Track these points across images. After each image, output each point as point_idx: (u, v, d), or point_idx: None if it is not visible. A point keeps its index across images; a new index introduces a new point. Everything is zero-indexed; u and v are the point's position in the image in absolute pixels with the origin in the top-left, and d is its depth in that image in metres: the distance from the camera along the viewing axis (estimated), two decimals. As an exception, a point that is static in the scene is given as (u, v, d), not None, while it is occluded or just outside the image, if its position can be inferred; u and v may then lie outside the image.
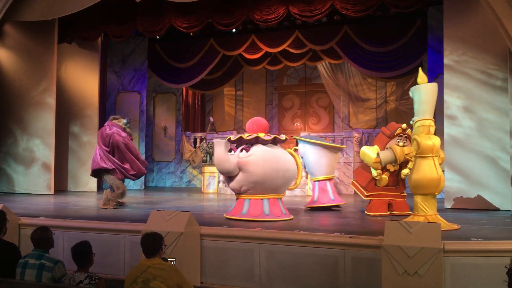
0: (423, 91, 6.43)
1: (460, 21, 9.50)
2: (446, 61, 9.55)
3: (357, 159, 13.14)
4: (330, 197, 8.91)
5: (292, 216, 7.50)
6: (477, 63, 9.23)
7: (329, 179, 9.01)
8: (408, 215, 7.35)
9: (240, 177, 7.15)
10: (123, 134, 9.21)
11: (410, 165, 7.69)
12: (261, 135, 7.29)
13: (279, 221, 7.13)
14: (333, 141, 13.41)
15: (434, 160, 6.33)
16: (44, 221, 6.95)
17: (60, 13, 11.42)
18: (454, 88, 9.39)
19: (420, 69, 6.76)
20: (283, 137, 7.59)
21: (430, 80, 11.79)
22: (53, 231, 4.51)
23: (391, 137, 8.09)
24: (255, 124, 7.45)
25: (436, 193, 6.46)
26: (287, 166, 7.30)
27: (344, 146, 9.78)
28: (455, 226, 6.51)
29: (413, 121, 6.56)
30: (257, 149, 7.23)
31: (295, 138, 9.79)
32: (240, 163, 7.09)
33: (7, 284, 4.08)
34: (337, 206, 9.06)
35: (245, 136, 7.31)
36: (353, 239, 5.68)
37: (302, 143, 9.06)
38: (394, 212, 8.11)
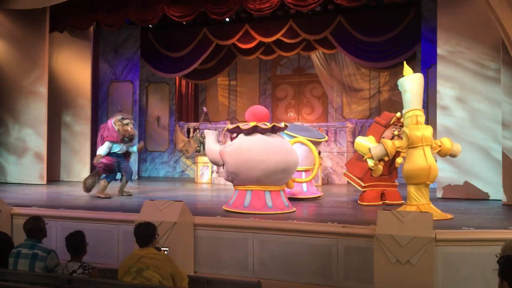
0: (410, 82, 6.53)
1: (454, 11, 9.50)
2: (439, 51, 9.56)
3: (350, 149, 13.19)
4: (303, 189, 8.87)
5: (295, 209, 7.23)
6: (470, 53, 9.25)
7: (305, 171, 8.67)
8: (401, 204, 7.42)
9: (224, 167, 7.20)
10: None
11: (403, 153, 7.74)
12: (252, 124, 7.00)
13: (283, 213, 6.86)
14: (326, 131, 13.45)
15: (424, 149, 6.39)
16: (37, 211, 6.93)
17: (51, 2, 11.30)
18: (447, 79, 9.41)
19: (404, 62, 6.89)
20: (282, 124, 7.20)
21: (423, 71, 11.89)
22: (46, 221, 4.50)
23: (387, 126, 8.16)
24: (252, 113, 7.19)
25: (428, 183, 6.51)
26: (266, 157, 6.72)
27: (326, 138, 9.38)
28: (448, 216, 6.57)
29: (403, 113, 6.62)
30: (239, 139, 7.13)
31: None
32: (220, 154, 7.12)
33: (0, 274, 4.07)
34: (313, 198, 8.85)
35: (242, 125, 7.11)
36: (346, 229, 5.71)
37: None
38: (386, 201, 8.16)
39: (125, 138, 9.17)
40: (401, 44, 12.83)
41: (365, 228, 5.63)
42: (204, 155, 13.45)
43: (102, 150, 9.16)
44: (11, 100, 12.41)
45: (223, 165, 7.18)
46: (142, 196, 9.34)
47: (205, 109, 16.21)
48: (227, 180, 7.40)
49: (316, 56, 15.70)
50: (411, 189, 6.54)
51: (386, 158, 7.99)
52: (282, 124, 7.20)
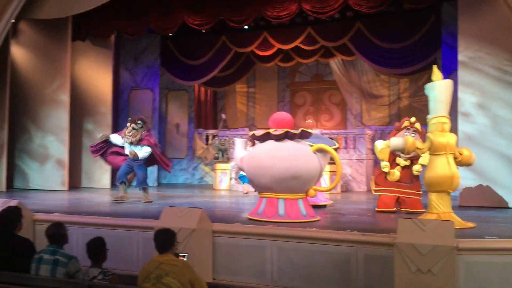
0: (438, 89, 6.39)
1: (475, 17, 9.38)
2: (460, 57, 9.45)
3: (370, 156, 13.09)
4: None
5: (318, 218, 6.96)
6: (492, 59, 9.12)
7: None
8: (420, 213, 7.32)
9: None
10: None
11: (421, 160, 7.69)
12: (271, 130, 6.92)
13: (294, 222, 6.58)
14: (345, 138, 13.38)
15: (448, 157, 6.30)
16: (59, 217, 7.02)
17: (74, 11, 11.52)
18: (468, 85, 9.29)
19: (434, 66, 6.71)
20: (298, 130, 6.92)
21: (444, 77, 11.72)
22: (67, 227, 4.56)
23: (398, 129, 8.19)
24: (277, 120, 7.07)
25: (450, 191, 6.41)
26: (273, 163, 6.59)
27: (336, 145, 8.88)
28: (470, 224, 6.44)
29: (427, 118, 6.53)
30: (255, 146, 7.22)
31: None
32: (240, 160, 7.25)
33: (22, 279, 4.13)
34: (321, 206, 8.70)
35: (272, 131, 6.90)
36: (365, 237, 5.65)
37: None
38: (408, 209, 8.07)
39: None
40: (421, 50, 12.70)
41: (385, 237, 5.56)
42: (223, 162, 13.55)
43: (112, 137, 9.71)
44: (34, 108, 12.65)
45: None
46: (162, 203, 9.40)
47: (223, 116, 16.29)
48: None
49: (335, 63, 15.65)
50: (433, 197, 6.45)
51: (403, 164, 7.96)
52: (299, 130, 6.95)
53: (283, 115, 7.28)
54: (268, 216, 6.75)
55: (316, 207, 8.49)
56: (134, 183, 9.59)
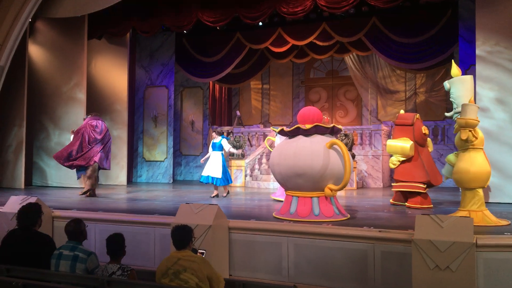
0: (462, 84, 6.24)
1: (492, 10, 9.22)
2: (478, 51, 9.30)
3: (386, 153, 12.99)
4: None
5: (349, 216, 6.83)
6: (510, 53, 8.97)
7: None
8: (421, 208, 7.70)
9: None
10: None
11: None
12: (305, 125, 6.76)
13: (331, 221, 6.43)
14: (361, 134, 13.29)
15: (484, 152, 6.30)
16: (77, 214, 7.13)
17: (90, 10, 11.62)
18: (487, 80, 9.15)
19: (453, 61, 6.61)
20: (305, 127, 6.71)
21: (462, 72, 11.58)
22: (86, 223, 4.62)
23: (413, 124, 8.28)
24: (304, 115, 6.97)
25: (484, 187, 6.35)
26: (279, 160, 6.61)
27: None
28: (504, 222, 6.31)
29: (453, 114, 6.38)
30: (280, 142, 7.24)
31: (273, 130, 9.80)
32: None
33: (42, 274, 4.20)
34: None
35: (306, 126, 6.76)
36: (382, 233, 5.62)
37: (279, 136, 8.93)
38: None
39: None
40: (438, 44, 12.53)
41: (402, 233, 5.53)
42: (238, 158, 13.57)
43: None
44: (52, 106, 12.81)
45: None
46: (178, 200, 9.46)
47: (238, 113, 16.30)
48: None
49: (350, 59, 15.55)
50: (468, 194, 6.30)
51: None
52: (305, 126, 6.67)
53: (310, 110, 7.09)
54: (281, 214, 6.79)
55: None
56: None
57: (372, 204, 8.88)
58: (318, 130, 6.64)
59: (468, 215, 5.99)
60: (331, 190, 6.53)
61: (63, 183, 12.40)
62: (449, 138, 13.13)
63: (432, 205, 8.18)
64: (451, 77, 6.63)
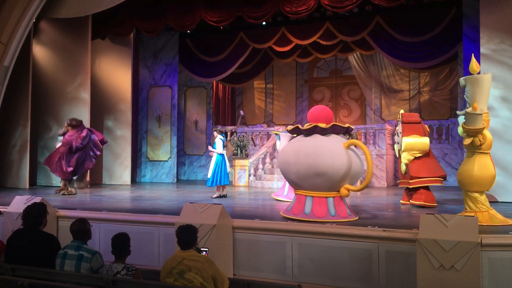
0: (477, 83, 6.02)
1: (497, 9, 9.20)
2: (482, 50, 9.27)
3: (390, 152, 12.97)
4: (283, 193, 8.90)
5: (357, 217, 6.77)
6: (515, 51, 8.94)
7: None
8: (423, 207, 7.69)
9: None
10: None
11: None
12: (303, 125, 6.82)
13: (346, 222, 6.34)
14: (365, 134, 13.27)
15: (490, 156, 6.24)
16: (81, 214, 7.14)
17: (94, 10, 11.65)
18: (491, 78, 9.07)
19: (472, 55, 6.40)
20: (324, 125, 6.59)
21: (466, 70, 11.52)
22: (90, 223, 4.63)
23: (396, 125, 8.56)
24: (314, 113, 6.89)
25: (488, 190, 6.33)
26: (297, 159, 6.43)
27: None
28: (510, 221, 6.25)
29: (463, 113, 6.19)
30: (291, 141, 7.08)
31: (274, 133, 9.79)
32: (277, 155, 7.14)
33: (47, 274, 4.21)
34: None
35: (305, 126, 6.77)
36: (386, 233, 5.61)
37: (284, 135, 8.96)
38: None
39: None
40: (442, 43, 12.49)
41: (407, 232, 5.52)
42: (242, 158, 13.57)
43: None
44: (56, 106, 12.85)
45: None
46: (182, 199, 9.47)
47: (242, 112, 16.30)
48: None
49: (354, 58, 15.53)
50: (476, 196, 6.23)
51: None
52: (325, 125, 6.57)
53: (323, 109, 6.98)
54: (294, 214, 6.59)
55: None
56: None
57: (376, 204, 8.87)
58: (334, 129, 6.59)
59: (474, 215, 5.94)
60: (348, 190, 6.49)
61: (68, 183, 12.41)
62: (453, 137, 13.09)
63: (436, 204, 8.16)
64: (469, 73, 6.29)
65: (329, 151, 6.35)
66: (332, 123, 6.59)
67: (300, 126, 6.89)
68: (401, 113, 8.53)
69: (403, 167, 8.35)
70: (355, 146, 6.58)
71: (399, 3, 11.02)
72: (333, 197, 6.53)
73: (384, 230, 5.66)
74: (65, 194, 10.20)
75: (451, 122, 13.16)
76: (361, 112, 16.40)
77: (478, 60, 9.62)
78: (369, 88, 15.79)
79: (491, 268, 5.04)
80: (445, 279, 4.80)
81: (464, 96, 6.22)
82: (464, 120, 6.23)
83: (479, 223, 5.67)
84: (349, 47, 14.38)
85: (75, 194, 10.37)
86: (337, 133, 6.67)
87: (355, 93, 16.48)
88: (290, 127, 7.12)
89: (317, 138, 6.57)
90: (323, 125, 6.56)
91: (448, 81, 14.12)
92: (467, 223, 4.98)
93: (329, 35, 13.58)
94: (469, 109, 5.97)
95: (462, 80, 6.19)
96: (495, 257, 5.06)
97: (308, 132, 6.70)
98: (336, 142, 6.49)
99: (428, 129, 8.51)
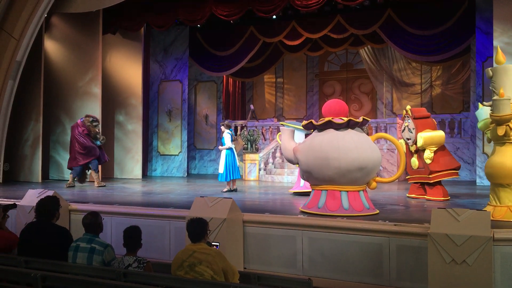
0: (505, 73, 5.83)
1: (511, 1, 9.07)
2: (496, 43, 9.19)
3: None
4: (299, 184, 8.85)
5: (378, 211, 6.68)
6: (529, 44, 8.82)
7: None
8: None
9: (299, 165, 6.90)
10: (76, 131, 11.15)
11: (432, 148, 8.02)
12: (326, 119, 6.63)
13: (361, 216, 6.30)
14: (376, 127, 13.20)
15: None
16: (93, 207, 7.21)
17: (104, 5, 11.72)
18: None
19: (498, 47, 6.26)
20: (360, 119, 6.60)
21: (478, 64, 11.42)
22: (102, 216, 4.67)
23: (403, 119, 8.61)
24: (328, 108, 6.83)
25: None
26: (338, 154, 6.25)
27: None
28: None
29: (491, 103, 6.00)
30: (312, 136, 6.84)
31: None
32: (294, 151, 6.83)
33: (60, 266, 4.26)
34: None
35: (318, 121, 6.77)
36: (398, 227, 5.59)
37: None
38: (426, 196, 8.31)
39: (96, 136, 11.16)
40: (454, 36, 12.35)
41: (418, 227, 5.49)
42: (252, 152, 13.57)
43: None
44: (68, 101, 12.95)
45: (297, 163, 6.88)
46: (192, 193, 9.51)
47: (252, 107, 16.29)
48: (303, 178, 7.16)
49: (365, 51, 15.42)
50: (502, 190, 5.99)
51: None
52: (360, 119, 6.61)
53: (340, 103, 6.94)
54: (332, 210, 6.39)
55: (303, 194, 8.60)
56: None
57: (387, 198, 8.83)
58: (350, 123, 6.55)
59: (507, 211, 5.83)
60: (378, 182, 6.79)
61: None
62: (466, 131, 12.96)
63: (449, 197, 8.13)
64: (495, 68, 6.06)
65: (368, 145, 6.47)
66: (348, 118, 6.54)
67: (313, 121, 6.81)
68: (410, 109, 8.45)
69: (415, 163, 8.28)
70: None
71: (411, -4, 10.93)
72: (363, 190, 6.60)
73: (395, 224, 5.64)
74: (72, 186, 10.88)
75: (463, 116, 13.02)
76: (372, 106, 16.30)
77: (491, 53, 9.54)
78: (380, 82, 15.68)
79: (504, 263, 4.99)
80: (457, 273, 4.77)
81: (490, 86, 6.08)
82: (484, 116, 6.17)
83: (493, 218, 5.64)
84: (360, 40, 14.28)
85: (73, 186, 10.88)
86: (352, 127, 6.59)
87: (366, 87, 16.38)
88: (307, 122, 6.94)
89: (350, 132, 6.52)
90: (340, 120, 6.53)
91: (461, 75, 13.96)
92: (479, 217, 4.94)
93: (340, 28, 13.48)
94: (495, 97, 5.81)
95: (489, 70, 6.03)
96: (507, 251, 5.01)
97: (322, 127, 6.62)
98: (364, 135, 6.67)
99: (435, 122, 8.53)
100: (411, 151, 8.40)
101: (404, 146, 8.50)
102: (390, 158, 12.69)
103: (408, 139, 8.40)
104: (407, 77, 15.21)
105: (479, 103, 6.99)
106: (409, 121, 8.38)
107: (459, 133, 13.18)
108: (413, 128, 8.23)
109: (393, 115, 14.96)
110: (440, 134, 8.15)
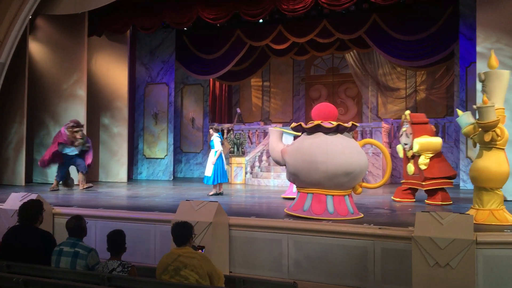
0: (497, 78, 5.97)
1: (493, 7, 9.22)
2: (479, 48, 9.30)
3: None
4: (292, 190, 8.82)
5: (362, 215, 6.72)
6: (511, 50, 8.95)
7: None
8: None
9: (286, 167, 6.87)
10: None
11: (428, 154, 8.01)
12: (315, 122, 6.64)
13: (345, 220, 6.32)
14: (361, 132, 13.29)
15: (505, 152, 6.10)
16: (77, 211, 7.13)
17: (89, 7, 11.64)
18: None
19: (492, 51, 6.32)
20: (349, 124, 6.67)
21: (462, 70, 11.58)
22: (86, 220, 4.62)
23: (402, 124, 8.62)
24: (317, 111, 6.81)
25: (501, 187, 6.18)
26: (326, 159, 6.24)
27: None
28: None
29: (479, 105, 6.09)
30: (301, 138, 6.85)
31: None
32: (281, 153, 6.80)
33: (43, 271, 4.21)
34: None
35: (306, 124, 6.77)
36: (382, 230, 5.63)
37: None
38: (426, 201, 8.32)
39: (74, 142, 10.72)
40: (438, 42, 12.50)
41: (402, 230, 5.54)
42: (238, 156, 13.57)
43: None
44: (52, 103, 12.81)
45: (285, 165, 6.86)
46: (178, 197, 9.47)
47: (238, 110, 16.30)
48: (289, 180, 7.17)
49: (350, 56, 15.55)
50: (485, 193, 6.09)
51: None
52: (349, 124, 6.67)
53: (330, 107, 6.93)
54: (317, 213, 6.40)
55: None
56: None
57: (372, 202, 8.89)
58: (339, 128, 6.57)
59: (489, 215, 5.93)
60: (364, 187, 6.86)
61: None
62: (449, 136, 13.12)
63: (451, 201, 8.15)
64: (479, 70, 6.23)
65: (356, 151, 6.49)
66: (337, 123, 6.56)
67: (303, 124, 6.79)
68: (409, 114, 8.46)
69: (410, 168, 8.33)
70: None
71: (396, 1, 11.04)
72: (348, 195, 6.63)
73: (379, 228, 5.68)
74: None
75: (447, 120, 13.18)
76: (357, 110, 16.42)
77: (474, 59, 9.68)
78: (366, 86, 15.81)
79: (486, 266, 5.07)
80: (440, 276, 4.82)
81: (481, 90, 6.14)
82: (466, 122, 6.24)
83: (476, 222, 5.72)
84: (346, 45, 14.40)
85: (57, 190, 10.74)
86: (341, 132, 6.63)
87: (351, 91, 16.50)
88: (296, 125, 6.95)
89: (339, 137, 6.54)
90: (329, 124, 6.55)
91: (445, 80, 14.16)
92: (462, 221, 5.00)
93: (326, 33, 13.57)
94: (480, 104, 5.88)
95: (482, 74, 6.11)
96: (490, 254, 5.09)
97: (311, 131, 6.63)
98: (352, 140, 6.73)
99: (434, 129, 8.54)
100: (407, 157, 8.42)
101: (402, 152, 8.54)
102: (375, 162, 12.78)
103: (405, 144, 8.41)
104: (392, 81, 15.37)
105: (457, 109, 7.06)
106: (407, 126, 8.34)
107: (443, 137, 13.31)
108: (411, 133, 8.22)
109: (378, 119, 15.09)
110: (436, 140, 8.12)
